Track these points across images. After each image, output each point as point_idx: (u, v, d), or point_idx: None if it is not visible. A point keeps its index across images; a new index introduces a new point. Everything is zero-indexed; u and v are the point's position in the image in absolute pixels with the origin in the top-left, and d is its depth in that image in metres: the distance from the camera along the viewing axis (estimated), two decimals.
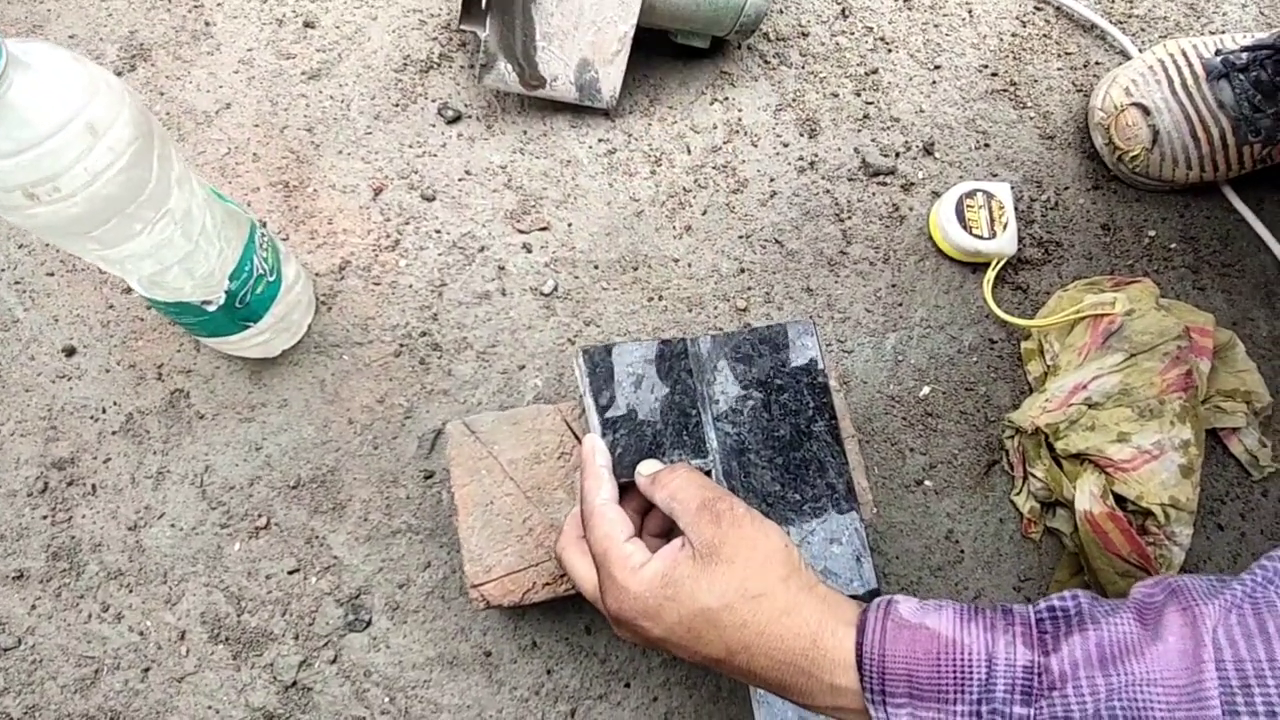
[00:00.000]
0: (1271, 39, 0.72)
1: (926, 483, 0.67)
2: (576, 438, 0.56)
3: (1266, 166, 0.75)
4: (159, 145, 0.45)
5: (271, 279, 0.59)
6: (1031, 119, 0.78)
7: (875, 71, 0.79)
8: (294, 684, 0.60)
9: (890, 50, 0.80)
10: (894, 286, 0.72)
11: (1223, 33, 0.81)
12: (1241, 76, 0.72)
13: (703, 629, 0.41)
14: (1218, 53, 0.74)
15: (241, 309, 0.57)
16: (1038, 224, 0.75)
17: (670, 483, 0.46)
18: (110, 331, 0.67)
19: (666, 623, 0.41)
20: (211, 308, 0.55)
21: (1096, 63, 0.81)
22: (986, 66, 0.80)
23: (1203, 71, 0.73)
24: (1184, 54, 0.75)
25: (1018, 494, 0.67)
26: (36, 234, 0.44)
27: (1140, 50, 0.80)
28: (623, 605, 0.43)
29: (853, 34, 0.80)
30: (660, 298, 0.70)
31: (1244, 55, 0.73)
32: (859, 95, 0.78)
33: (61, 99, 0.40)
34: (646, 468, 0.50)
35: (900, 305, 0.71)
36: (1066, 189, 0.76)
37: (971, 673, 0.37)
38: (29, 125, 0.39)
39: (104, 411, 0.66)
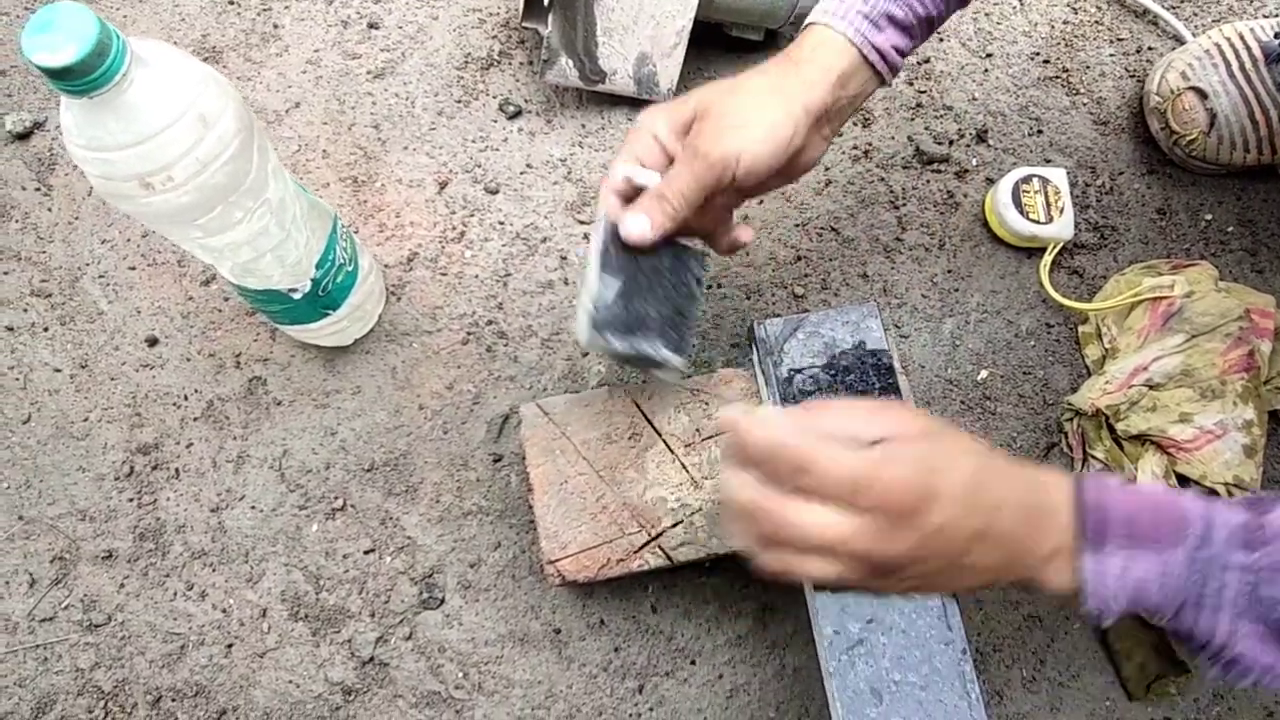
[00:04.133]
0: None
1: None
2: (647, 419, 0.58)
3: None
4: (258, 137, 0.48)
5: (350, 268, 0.61)
6: (1085, 105, 0.79)
7: (927, 61, 0.79)
8: (371, 659, 0.62)
9: (942, 39, 0.80)
10: (950, 272, 0.73)
11: (1277, 15, 0.80)
12: None
13: (983, 479, 0.39)
14: (1276, 35, 0.74)
15: (323, 297, 0.59)
16: (1093, 209, 0.75)
17: (831, 408, 0.41)
18: (190, 322, 0.70)
19: (946, 490, 0.37)
20: (297, 295, 0.57)
21: (1150, 48, 0.81)
22: (1038, 54, 0.80)
23: (1260, 54, 0.73)
24: (1241, 37, 0.75)
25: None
26: (147, 223, 0.46)
27: (1194, 35, 0.80)
28: (889, 496, 0.37)
29: None
30: (719, 285, 0.71)
31: None
32: (911, 84, 0.78)
33: (176, 93, 0.42)
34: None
35: (956, 291, 0.72)
36: (1121, 174, 0.76)
37: (1190, 523, 0.38)
38: (147, 118, 0.42)
39: (186, 399, 0.68)
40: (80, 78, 0.39)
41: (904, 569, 0.38)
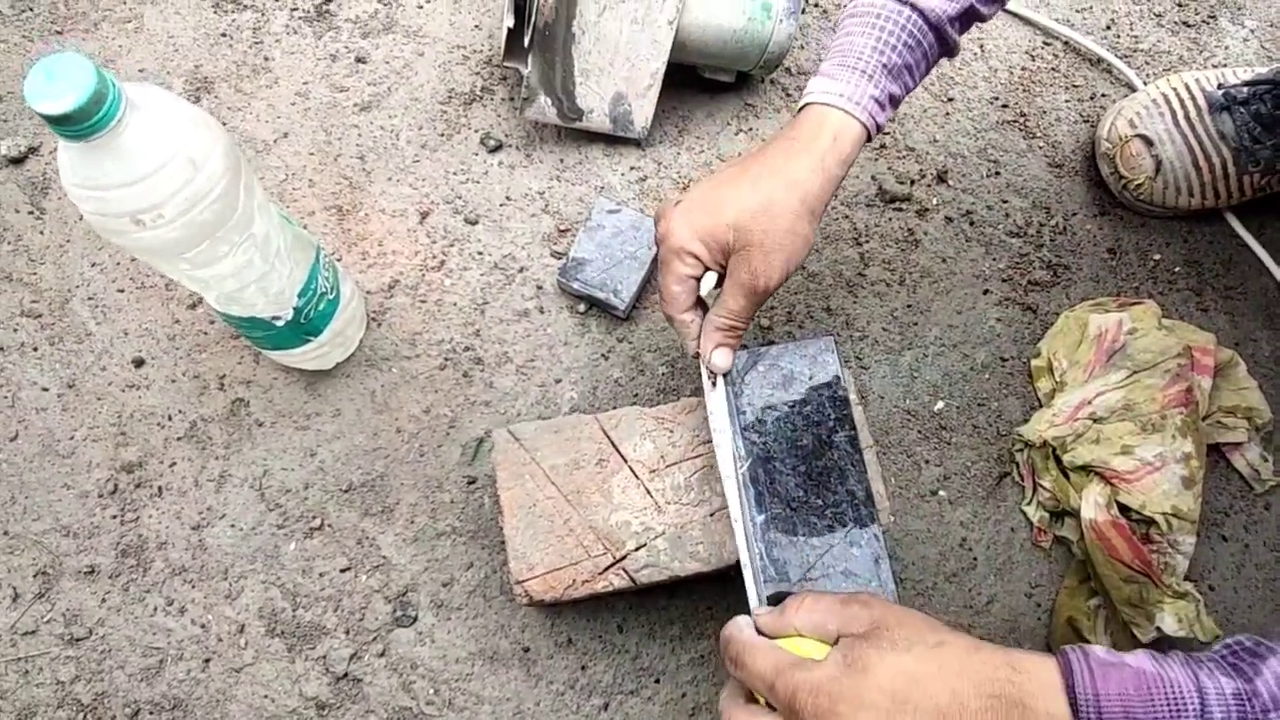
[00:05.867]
0: (1271, 74, 0.76)
1: (941, 493, 0.71)
2: (614, 446, 0.60)
3: (1267, 194, 0.79)
4: (245, 175, 0.50)
5: (332, 296, 0.64)
6: (1041, 148, 0.83)
7: None
8: (345, 675, 0.64)
9: None
10: (909, 307, 0.76)
11: (1224, 66, 0.85)
12: (1242, 109, 0.76)
13: (907, 690, 0.39)
14: (1219, 86, 0.78)
15: (305, 324, 0.62)
16: (1046, 248, 0.79)
17: (803, 604, 0.45)
18: (176, 344, 0.72)
19: (868, 699, 0.39)
20: (280, 323, 0.60)
21: (1103, 95, 0.85)
22: (997, 98, 0.84)
23: (1205, 104, 0.77)
24: (1187, 88, 0.79)
25: (1028, 504, 0.70)
26: (136, 255, 0.49)
27: (1145, 83, 0.84)
28: (816, 704, 0.40)
29: None
30: None
31: (1245, 89, 0.77)
32: None
33: (167, 136, 0.45)
34: (751, 617, 0.48)
35: (915, 325, 0.75)
36: (1074, 214, 0.80)
37: (1186, 703, 0.37)
38: (140, 160, 0.44)
39: (170, 419, 0.70)
40: (78, 124, 0.41)
41: None
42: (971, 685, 0.39)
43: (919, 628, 0.42)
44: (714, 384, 0.58)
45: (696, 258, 0.55)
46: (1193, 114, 0.78)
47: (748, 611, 0.51)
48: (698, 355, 0.58)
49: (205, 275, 0.51)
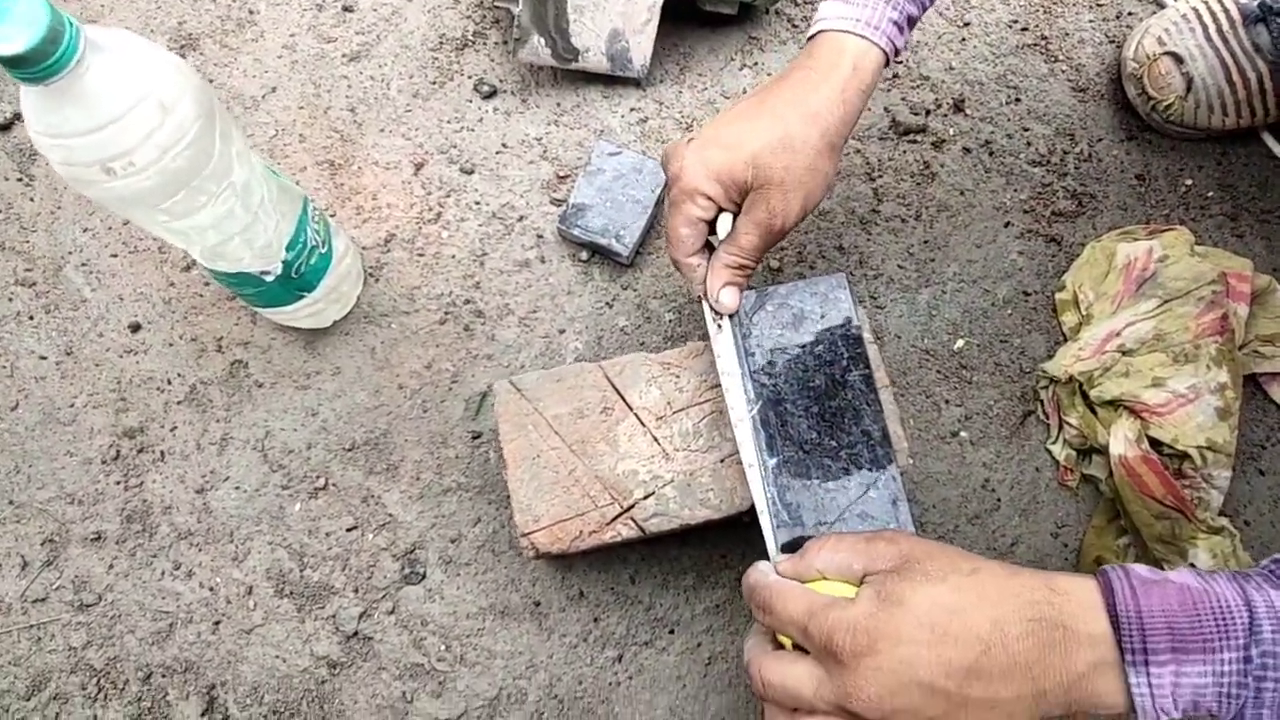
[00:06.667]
0: None
1: (962, 434, 0.68)
2: (619, 393, 0.58)
3: None
4: (220, 121, 0.48)
5: (323, 250, 0.62)
6: (1064, 72, 0.78)
7: None
8: (355, 634, 0.64)
9: None
10: (926, 243, 0.73)
11: None
12: (1279, 20, 0.71)
13: (946, 621, 0.38)
14: None
15: (297, 279, 0.60)
16: (1070, 176, 0.75)
17: (825, 546, 0.44)
18: (172, 308, 0.71)
19: (907, 634, 0.38)
20: (270, 278, 0.58)
21: (1129, 13, 0.81)
22: (1016, 21, 0.80)
23: (1239, 16, 0.73)
24: (1219, 0, 0.74)
25: (1053, 443, 0.67)
26: (111, 207, 0.47)
27: None
28: (855, 642, 0.38)
29: None
30: None
31: None
32: None
33: (133, 79, 0.43)
34: (772, 563, 0.47)
35: (933, 261, 0.72)
36: (1100, 140, 0.76)
37: (1234, 618, 0.36)
38: (105, 104, 0.42)
39: (169, 383, 0.69)
40: (34, 65, 0.39)
41: (897, 714, 0.38)
42: (1011, 610, 0.38)
43: (951, 558, 0.40)
44: (720, 326, 0.55)
45: (710, 199, 0.52)
46: (1225, 27, 0.73)
47: (766, 558, 0.49)
48: (703, 299, 0.55)
49: (184, 227, 0.49)
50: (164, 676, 0.64)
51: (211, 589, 0.65)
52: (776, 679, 0.41)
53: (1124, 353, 0.65)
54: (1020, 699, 0.37)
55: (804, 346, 0.57)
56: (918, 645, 0.38)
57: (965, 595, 0.38)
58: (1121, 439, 0.63)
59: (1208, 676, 0.36)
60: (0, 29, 0.39)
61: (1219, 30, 0.73)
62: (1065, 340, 0.70)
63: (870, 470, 0.54)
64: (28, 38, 0.38)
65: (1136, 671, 0.36)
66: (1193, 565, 0.59)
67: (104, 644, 0.64)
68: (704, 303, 0.55)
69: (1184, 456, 0.62)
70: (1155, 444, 0.63)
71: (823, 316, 0.58)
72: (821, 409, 0.56)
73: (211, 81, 0.77)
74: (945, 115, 0.76)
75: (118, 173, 0.44)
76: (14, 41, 0.38)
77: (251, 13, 0.79)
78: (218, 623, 0.64)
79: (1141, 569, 0.38)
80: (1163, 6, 0.80)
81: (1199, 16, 0.74)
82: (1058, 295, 0.71)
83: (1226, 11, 0.73)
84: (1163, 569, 0.59)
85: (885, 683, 0.38)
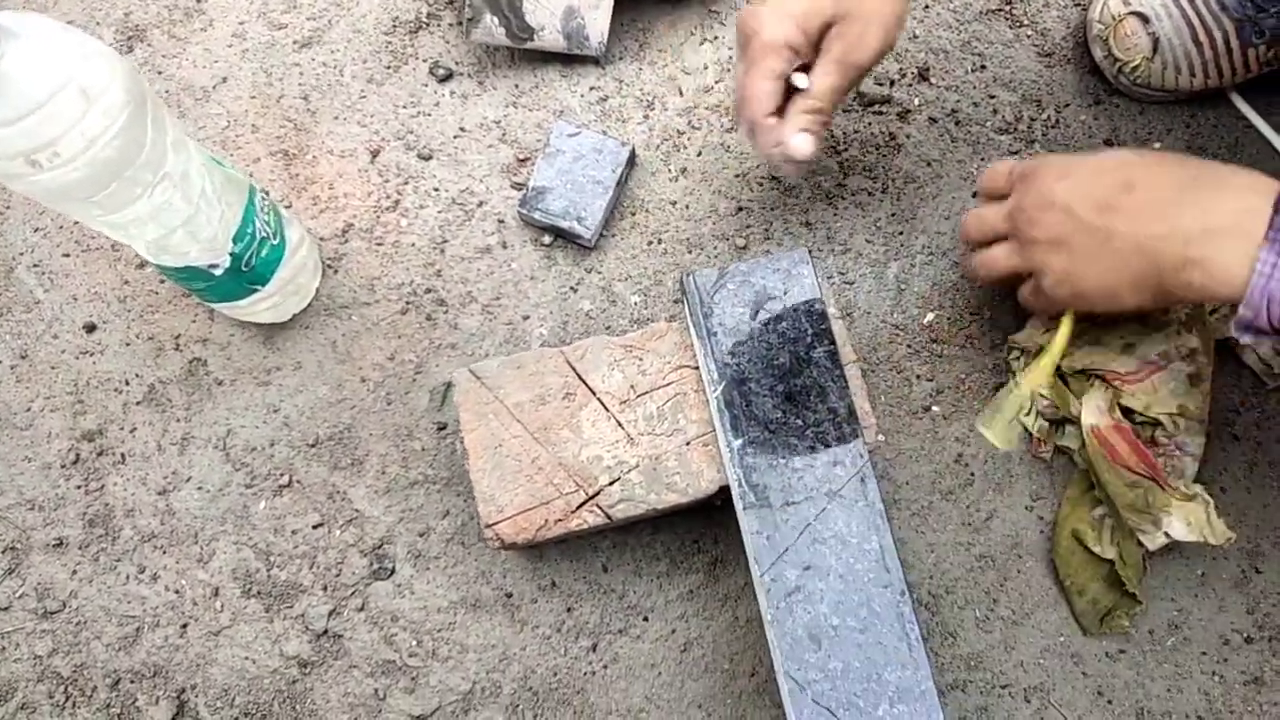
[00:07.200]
0: None
1: (934, 408, 0.67)
2: (580, 378, 0.57)
3: (1274, 70, 0.73)
4: (152, 109, 0.46)
5: (275, 242, 0.60)
6: (1029, 37, 0.77)
7: None
8: (325, 632, 0.63)
9: None
10: (894, 216, 0.72)
11: None
12: None
13: (1112, 167, 0.49)
14: None
15: (247, 272, 0.58)
16: (1039, 143, 0.74)
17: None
18: (127, 306, 0.69)
19: (1073, 171, 0.50)
20: (218, 271, 0.56)
21: None
22: None
23: None
24: None
25: (1026, 414, 0.67)
26: (43, 201, 0.45)
27: None
28: (1034, 170, 0.52)
29: None
30: (659, 240, 0.70)
31: None
32: None
33: (53, 66, 0.41)
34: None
35: (901, 234, 0.71)
36: (1067, 106, 0.75)
37: None
38: (24, 93, 0.41)
39: (127, 384, 0.68)
40: None
41: (1032, 225, 0.52)
42: (1175, 167, 0.48)
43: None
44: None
45: (792, 50, 0.54)
46: None
47: (740, 543, 0.50)
48: (774, 159, 0.57)
49: (121, 220, 0.48)
50: (132, 682, 0.62)
51: (177, 591, 0.64)
52: (977, 212, 0.57)
53: (1093, 321, 0.65)
54: (1137, 237, 0.46)
55: (767, 324, 0.56)
56: (1078, 178, 0.50)
57: (1143, 155, 0.49)
58: (1093, 409, 0.62)
59: None
60: None
61: None
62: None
63: (838, 447, 0.54)
64: None
65: (1273, 248, 0.40)
66: (1167, 535, 0.58)
67: (70, 651, 0.63)
68: (773, 158, 0.57)
69: (1156, 424, 0.61)
70: (1127, 412, 0.62)
71: (786, 293, 0.57)
72: (787, 387, 0.55)
73: (160, 74, 0.75)
74: (910, 85, 0.75)
75: (44, 165, 0.42)
76: None
77: (199, 1, 0.77)
78: (185, 625, 0.63)
79: None
80: None
81: None
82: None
83: None
84: (1135, 537, 0.59)
85: (1037, 198, 0.51)
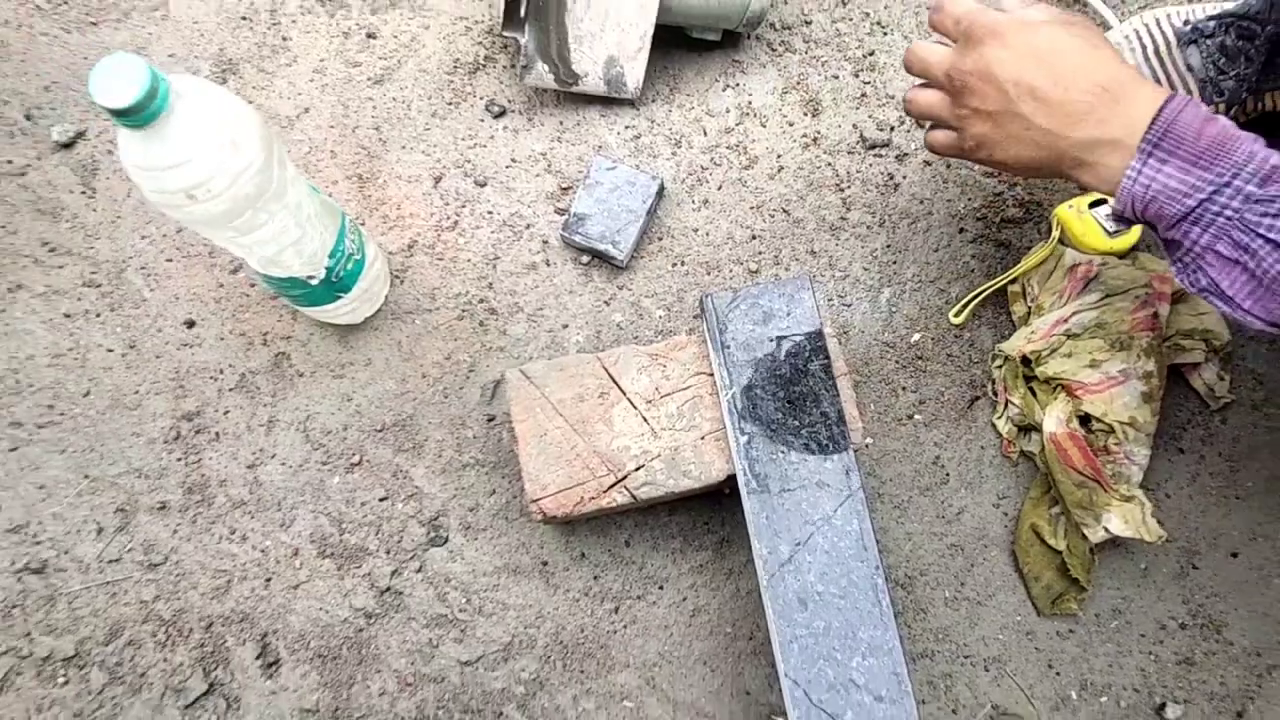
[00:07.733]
0: (1235, 8, 0.79)
1: (917, 417, 0.77)
2: (614, 380, 0.68)
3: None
4: (277, 150, 0.57)
5: (358, 256, 0.71)
6: None
7: (872, 54, 0.88)
8: (388, 589, 0.74)
9: (886, 33, 0.88)
10: (888, 247, 0.82)
11: (1195, 1, 0.88)
12: (1208, 41, 0.80)
13: (1048, 53, 0.53)
14: (1186, 22, 0.81)
15: (336, 282, 0.69)
16: (1020, 186, 0.84)
17: None
18: (222, 306, 0.81)
19: (1017, 45, 0.54)
20: (314, 282, 0.67)
21: None
22: None
23: (1174, 38, 0.81)
24: (1158, 23, 0.83)
25: (999, 417, 0.77)
26: (190, 226, 0.56)
27: (1120, 20, 0.88)
28: (982, 34, 0.55)
29: (851, 20, 0.89)
30: (682, 263, 0.81)
31: (1210, 23, 0.80)
32: (857, 76, 0.87)
33: (211, 121, 0.52)
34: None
35: (894, 263, 0.81)
36: None
37: (1236, 151, 0.47)
38: (187, 143, 0.51)
39: (221, 372, 0.79)
40: (136, 115, 0.49)
41: (970, 94, 0.56)
42: (1095, 71, 0.51)
43: (1092, 28, 0.55)
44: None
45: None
46: (1163, 49, 0.81)
47: (744, 525, 0.59)
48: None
49: (248, 241, 0.59)
50: (223, 626, 0.74)
51: (262, 551, 0.75)
52: (921, 53, 0.61)
53: (1070, 336, 0.74)
54: (1049, 133, 0.52)
55: (773, 340, 0.66)
56: (1016, 57, 0.53)
57: (1075, 44, 0.52)
58: (1054, 418, 0.72)
59: (1183, 185, 0.47)
60: (110, 85, 0.48)
61: (1155, 51, 0.81)
62: (1013, 329, 0.79)
63: (828, 446, 0.64)
64: (133, 94, 0.48)
65: (1141, 157, 0.48)
66: (1106, 529, 0.68)
67: (171, 598, 0.74)
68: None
69: (1110, 431, 0.71)
70: (1086, 419, 0.72)
71: (789, 314, 0.67)
72: (788, 394, 0.65)
73: (250, 103, 0.86)
74: (908, 131, 0.85)
75: (199, 198, 0.53)
76: (122, 96, 0.48)
77: (284, 39, 0.88)
78: (268, 579, 0.74)
79: (1203, 111, 0.49)
80: (1109, 28, 0.88)
81: (1139, 38, 0.82)
82: (1010, 288, 0.80)
83: (1164, 34, 0.82)
84: (1081, 531, 0.69)
85: (977, 67, 0.55)
